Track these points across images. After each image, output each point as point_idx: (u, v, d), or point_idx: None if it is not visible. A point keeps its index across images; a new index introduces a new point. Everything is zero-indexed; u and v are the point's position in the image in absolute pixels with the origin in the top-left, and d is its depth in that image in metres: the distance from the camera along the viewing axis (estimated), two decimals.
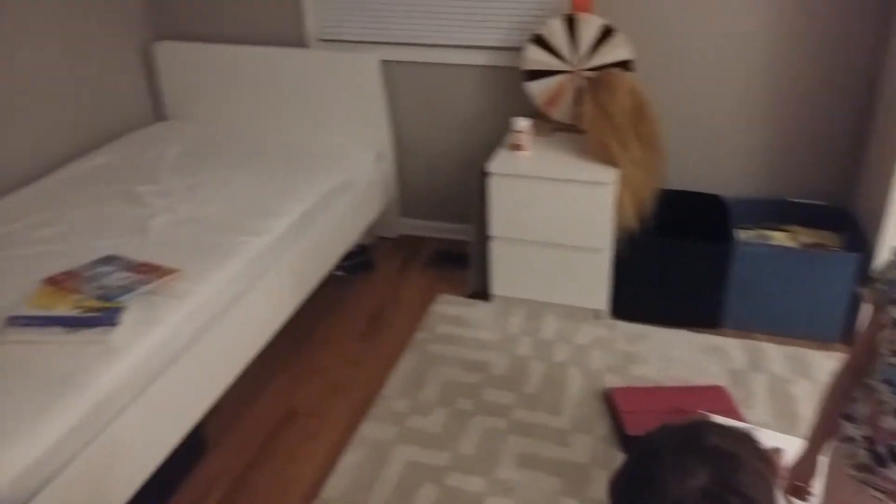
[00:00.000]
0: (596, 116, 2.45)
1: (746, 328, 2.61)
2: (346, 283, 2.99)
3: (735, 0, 2.54)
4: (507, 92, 2.93)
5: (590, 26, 2.53)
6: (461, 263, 3.10)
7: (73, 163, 2.74)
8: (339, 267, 2.89)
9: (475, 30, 2.85)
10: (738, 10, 2.55)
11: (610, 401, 2.31)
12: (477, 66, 2.92)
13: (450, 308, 2.83)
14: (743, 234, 2.67)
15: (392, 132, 3.12)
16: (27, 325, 1.71)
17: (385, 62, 2.98)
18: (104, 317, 1.72)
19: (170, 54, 3.13)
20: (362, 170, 2.87)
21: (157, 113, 3.31)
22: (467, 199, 3.21)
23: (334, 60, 2.92)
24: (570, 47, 2.58)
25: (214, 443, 2.20)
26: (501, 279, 2.76)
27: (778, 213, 2.74)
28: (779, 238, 2.66)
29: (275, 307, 2.28)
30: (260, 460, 2.15)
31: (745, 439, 0.81)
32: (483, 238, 2.73)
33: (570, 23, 2.55)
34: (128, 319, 1.76)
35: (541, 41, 2.60)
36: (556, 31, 2.57)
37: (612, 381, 2.42)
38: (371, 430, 2.24)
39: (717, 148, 2.79)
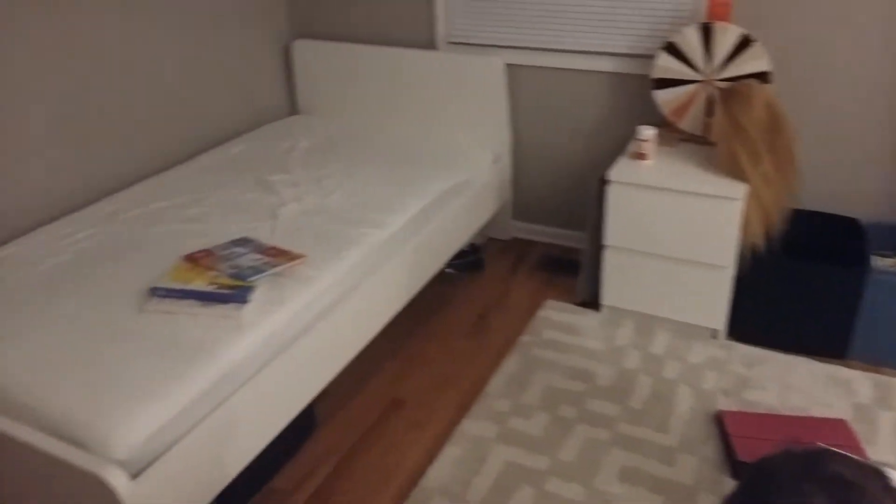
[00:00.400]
0: (727, 128, 2.36)
1: (875, 361, 2.44)
2: (456, 281, 3.04)
3: (884, 9, 2.38)
4: (632, 99, 2.89)
5: (727, 36, 2.44)
6: (571, 270, 3.08)
7: (215, 150, 2.95)
8: (449, 264, 2.95)
9: (603, 36, 2.82)
10: (886, 19, 2.39)
11: (721, 424, 2.23)
12: (602, 72, 2.89)
13: (557, 314, 2.81)
14: (879, 262, 2.49)
15: (511, 135, 3.15)
16: (166, 296, 1.86)
17: (510, 65, 3.01)
18: (236, 294, 1.85)
19: (305, 52, 3.30)
20: (480, 171, 2.90)
21: (291, 107, 3.49)
22: (582, 205, 3.18)
23: (461, 63, 2.98)
24: (703, 56, 2.51)
25: (324, 422, 2.30)
26: (612, 289, 2.72)
27: None
28: None
29: (389, 298, 2.36)
30: (366, 443, 2.23)
31: (872, 473, 0.76)
32: (597, 246, 2.70)
33: (706, 31, 2.47)
34: (256, 298, 1.88)
35: (673, 49, 2.54)
36: (690, 40, 2.51)
37: (725, 404, 2.33)
38: (473, 426, 2.27)
39: (857, 168, 2.62)
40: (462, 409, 2.36)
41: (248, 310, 1.84)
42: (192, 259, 2.02)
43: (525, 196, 3.30)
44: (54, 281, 2.00)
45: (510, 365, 2.54)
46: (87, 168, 2.55)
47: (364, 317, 2.23)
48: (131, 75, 2.66)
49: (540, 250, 3.30)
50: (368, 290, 2.21)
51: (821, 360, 2.48)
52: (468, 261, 3.10)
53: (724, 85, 2.50)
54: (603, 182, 2.56)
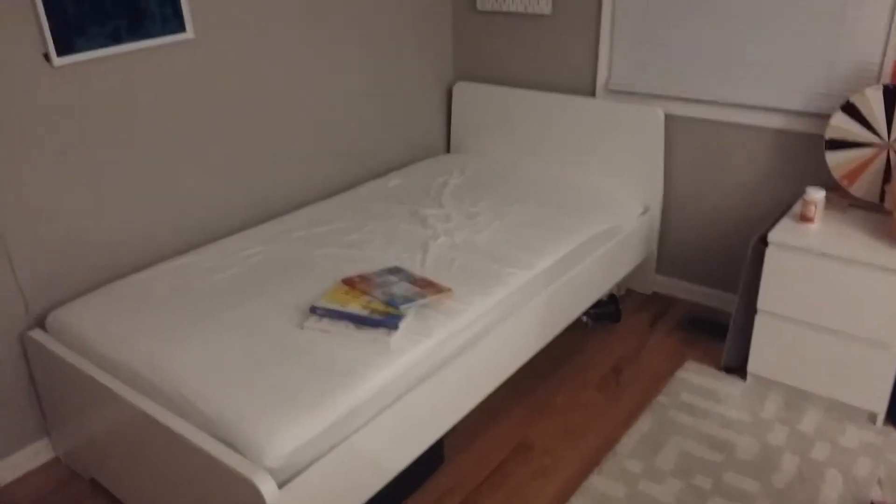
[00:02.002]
0: None
1: None
2: (590, 330, 3.00)
3: None
4: (797, 159, 2.76)
5: None
6: (714, 332, 2.95)
7: (375, 181, 3.13)
8: (586, 312, 2.92)
9: (772, 91, 2.72)
10: None
11: None
12: (767, 128, 2.79)
13: (697, 378, 2.70)
14: None
15: (663, 186, 3.09)
16: (324, 315, 1.98)
17: (668, 115, 2.98)
18: (387, 320, 1.93)
19: (465, 93, 3.42)
20: (627, 220, 2.87)
21: (446, 145, 3.63)
22: (733, 265, 3.06)
23: (619, 111, 2.98)
24: (885, 120, 2.36)
25: (451, 457, 2.33)
26: (761, 357, 2.58)
27: None
28: None
29: (527, 340, 2.37)
30: (491, 484, 2.24)
31: None
32: (748, 310, 2.57)
33: (890, 95, 2.33)
34: (405, 326, 1.95)
35: (852, 110, 2.42)
36: (872, 102, 2.37)
37: (880, 496, 2.13)
38: (601, 483, 2.22)
39: None
40: (590, 463, 2.31)
41: (397, 336, 1.92)
42: (350, 282, 2.13)
43: (670, 249, 3.22)
44: (227, 291, 2.18)
45: (644, 424, 2.46)
46: (260, 191, 2.78)
47: (502, 355, 2.25)
48: (303, 109, 2.88)
49: (682, 308, 3.19)
50: (509, 330, 2.24)
51: None
52: (605, 310, 3.06)
53: None
54: (762, 243, 2.45)
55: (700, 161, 3.00)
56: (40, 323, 2.18)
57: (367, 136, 3.20)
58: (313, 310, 2.00)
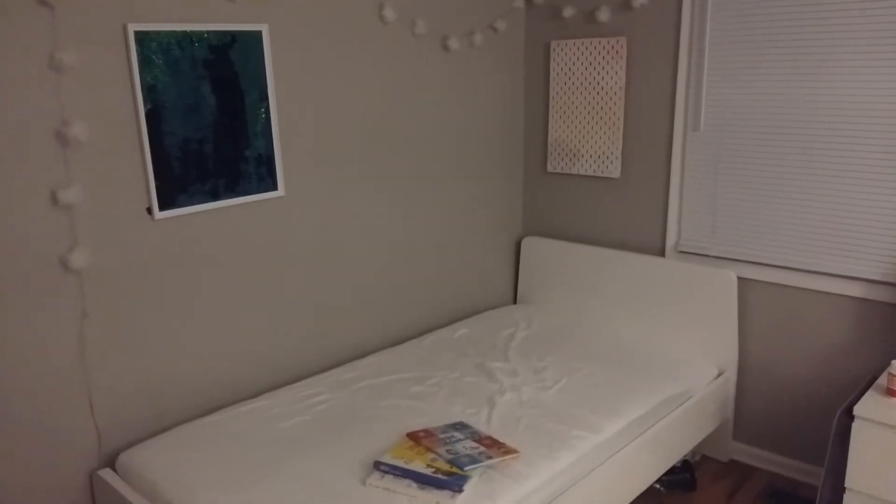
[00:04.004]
0: None
1: None
2: (664, 499, 2.83)
3: None
4: (878, 328, 2.66)
5: None
6: None
7: (441, 330, 3.16)
8: (658, 479, 2.76)
9: (848, 259, 2.68)
10: None
11: None
12: (845, 295, 2.71)
13: None
14: None
15: (738, 350, 3.01)
16: (388, 472, 1.94)
17: (741, 279, 2.95)
18: (452, 481, 1.88)
19: (533, 248, 3.50)
20: (701, 384, 2.78)
21: (513, 297, 3.68)
22: (814, 435, 2.88)
23: (690, 272, 2.97)
24: None
25: None
26: None
27: None
28: None
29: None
30: None
31: None
32: (836, 488, 2.39)
33: None
34: (469, 489, 1.89)
35: None
36: None
37: None
38: None
39: None
40: None
41: (462, 500, 1.85)
42: (415, 437, 2.11)
43: (749, 416, 3.07)
44: (293, 439, 2.19)
45: None
46: (331, 337, 2.85)
47: None
48: (376, 259, 3.00)
49: (762, 478, 2.99)
50: (576, 497, 2.13)
51: None
52: (679, 478, 2.89)
53: None
54: (848, 416, 2.32)
55: (776, 326, 2.92)
56: (111, 462, 2.22)
57: (437, 286, 3.28)
58: (377, 465, 1.97)
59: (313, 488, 1.92)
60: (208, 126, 2.31)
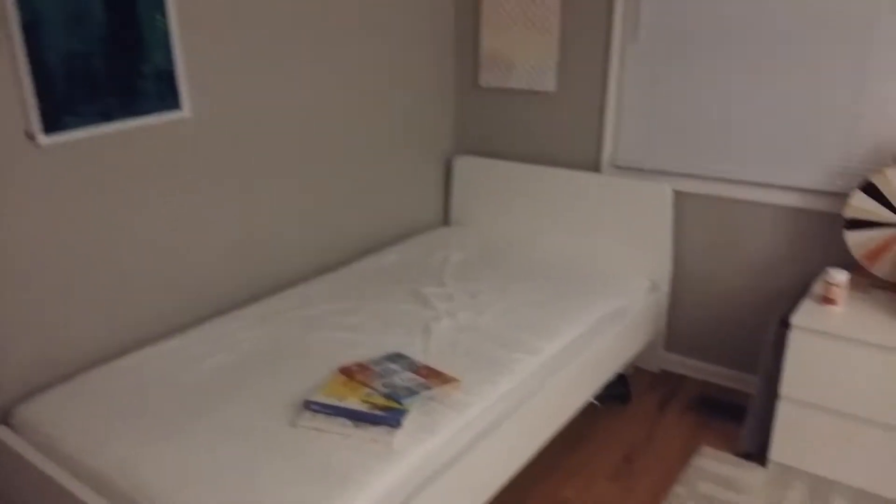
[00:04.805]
0: None
1: None
2: (598, 414, 2.84)
3: None
4: (812, 238, 2.67)
5: None
6: (727, 414, 2.80)
7: (370, 257, 3.00)
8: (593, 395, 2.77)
9: (785, 169, 2.65)
10: None
11: None
12: (781, 206, 2.70)
13: (714, 465, 2.54)
14: None
15: (672, 263, 2.99)
16: (319, 411, 1.82)
17: (677, 192, 2.90)
18: (389, 417, 1.78)
19: (466, 167, 3.35)
20: (636, 298, 2.76)
21: (444, 219, 3.54)
22: (745, 343, 2.93)
23: (626, 187, 2.90)
24: None
25: None
26: (783, 444, 2.42)
27: None
28: None
29: (536, 430, 2.21)
30: None
31: None
32: (770, 395, 2.44)
33: None
34: (408, 423, 1.80)
35: (872, 189, 2.34)
36: (892, 181, 2.30)
37: None
38: None
39: None
40: None
41: (400, 435, 1.76)
42: (348, 372, 1.99)
43: (680, 327, 3.09)
44: (214, 382, 2.03)
45: None
46: (251, 270, 2.66)
47: (511, 449, 2.09)
48: (296, 182, 2.78)
49: (693, 387, 3.05)
50: (518, 421, 2.08)
51: None
52: (614, 391, 2.91)
53: None
54: (784, 325, 2.33)
55: (711, 238, 2.91)
56: (5, 418, 2.01)
57: (365, 210, 3.10)
58: (308, 405, 1.85)
59: (238, 435, 1.78)
60: (96, 38, 2.02)
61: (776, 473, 2.48)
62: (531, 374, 2.15)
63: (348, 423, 1.78)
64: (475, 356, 2.16)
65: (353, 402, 1.83)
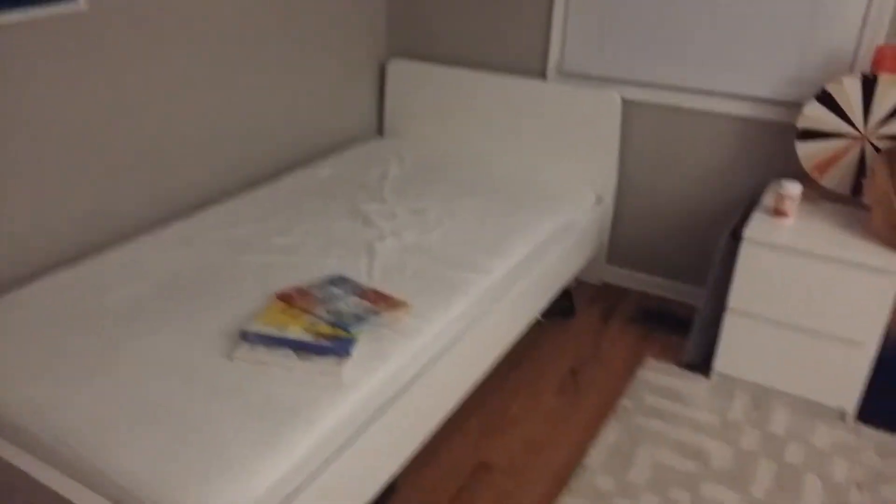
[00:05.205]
0: (889, 193, 2.07)
1: None
2: (543, 329, 2.78)
3: None
4: (762, 148, 2.61)
5: (893, 90, 2.16)
6: (671, 326, 2.80)
7: (301, 171, 2.75)
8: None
9: (737, 77, 2.55)
10: None
11: None
12: (731, 115, 2.62)
13: (659, 377, 2.54)
14: None
15: (618, 174, 2.90)
16: (258, 342, 1.65)
17: (625, 101, 2.77)
18: (337, 346, 1.63)
19: (401, 72, 3.10)
20: (583, 212, 2.66)
21: (379, 129, 3.30)
22: (689, 255, 2.91)
23: (573, 95, 2.75)
24: (862, 110, 2.23)
25: (402, 487, 2.06)
26: (729, 356, 2.43)
27: None
28: None
29: (487, 350, 2.13)
30: None
31: None
32: (717, 307, 2.42)
33: (869, 84, 2.19)
34: (358, 352, 1.66)
35: (827, 99, 2.27)
36: (849, 91, 2.23)
37: (861, 501, 2.03)
38: None
39: None
40: (558, 482, 2.10)
41: (349, 365, 1.62)
42: (287, 298, 1.81)
43: (623, 239, 3.04)
44: (132, 313, 1.80)
45: (610, 434, 2.27)
46: (166, 184, 2.38)
47: (461, 371, 2.00)
48: (213, 89, 2.49)
49: (635, 299, 3.03)
50: (470, 343, 1.98)
51: None
52: (559, 306, 2.85)
53: (887, 144, 2.21)
54: (734, 238, 2.29)
55: (659, 149, 2.81)
56: None
57: (291, 119, 2.83)
58: (244, 336, 1.67)
59: (166, 373, 1.58)
60: None
61: (720, 384, 2.50)
62: (482, 294, 2.04)
63: (291, 354, 1.62)
64: (424, 278, 2.01)
65: (296, 331, 1.66)
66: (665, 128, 2.77)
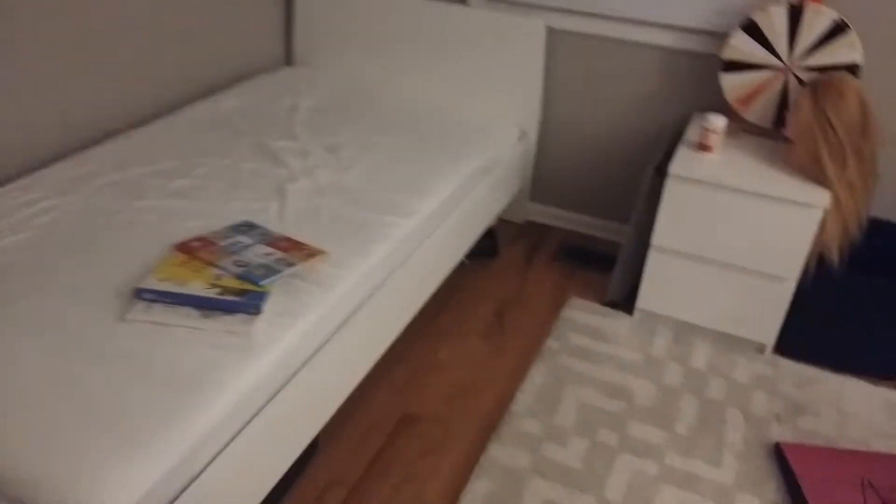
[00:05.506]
0: (813, 126, 2.05)
1: None
2: (467, 270, 2.69)
3: None
4: (685, 80, 2.55)
5: (818, 19, 2.11)
6: (594, 263, 2.77)
7: (201, 103, 2.47)
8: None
9: (666, 5, 2.44)
10: None
11: (781, 459, 1.97)
12: (658, 46, 2.53)
13: (583, 316, 2.51)
14: None
15: (541, 108, 2.78)
16: (156, 300, 1.46)
17: (549, 29, 2.63)
18: (246, 302, 1.46)
19: None
20: (506, 148, 2.54)
21: (287, 56, 3.03)
22: (613, 192, 2.86)
23: (495, 22, 2.58)
24: (787, 40, 2.17)
25: (325, 445, 1.95)
26: (651, 293, 2.42)
27: None
28: None
29: (412, 297, 2.01)
30: (376, 472, 1.90)
31: None
32: (640, 243, 2.38)
33: (795, 13, 2.13)
34: (270, 307, 1.50)
35: (753, 28, 2.20)
36: (775, 20, 2.16)
37: (780, 433, 2.08)
38: (501, 453, 1.96)
39: None
40: (486, 429, 2.04)
41: (261, 322, 1.46)
42: (188, 249, 1.61)
43: (545, 176, 2.95)
44: (7, 269, 1.56)
45: (537, 376, 2.23)
46: (42, 118, 2.08)
47: (385, 321, 1.88)
48: (95, 6, 2.17)
49: (557, 237, 2.97)
50: (392, 290, 1.85)
51: (874, 383, 2.28)
52: (482, 246, 2.75)
53: (810, 75, 2.18)
54: (659, 174, 2.23)
55: (584, 81, 2.70)
56: None
57: (189, 43, 2.53)
58: (139, 293, 1.47)
59: (50, 337, 1.38)
60: None
61: (642, 320, 2.49)
62: (405, 238, 1.90)
63: (195, 313, 1.44)
64: (342, 222, 1.85)
65: (199, 287, 1.48)
66: (590, 59, 2.65)
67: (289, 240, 1.70)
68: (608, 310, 2.54)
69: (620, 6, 2.50)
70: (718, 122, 2.17)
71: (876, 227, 2.35)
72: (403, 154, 2.25)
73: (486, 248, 2.78)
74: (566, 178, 2.92)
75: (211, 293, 1.46)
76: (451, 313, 2.48)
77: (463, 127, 2.49)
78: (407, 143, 2.33)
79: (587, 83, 2.70)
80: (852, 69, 2.14)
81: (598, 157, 2.82)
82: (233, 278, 1.52)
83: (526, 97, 2.66)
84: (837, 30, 2.11)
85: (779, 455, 2.00)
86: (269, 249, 1.64)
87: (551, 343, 2.37)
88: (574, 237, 2.98)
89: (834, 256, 2.13)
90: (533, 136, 2.75)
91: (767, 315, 2.29)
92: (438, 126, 2.47)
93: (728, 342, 2.41)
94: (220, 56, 2.69)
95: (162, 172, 2.01)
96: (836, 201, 2.08)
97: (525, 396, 2.15)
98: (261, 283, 1.51)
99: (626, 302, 2.54)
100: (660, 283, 2.39)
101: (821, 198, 2.05)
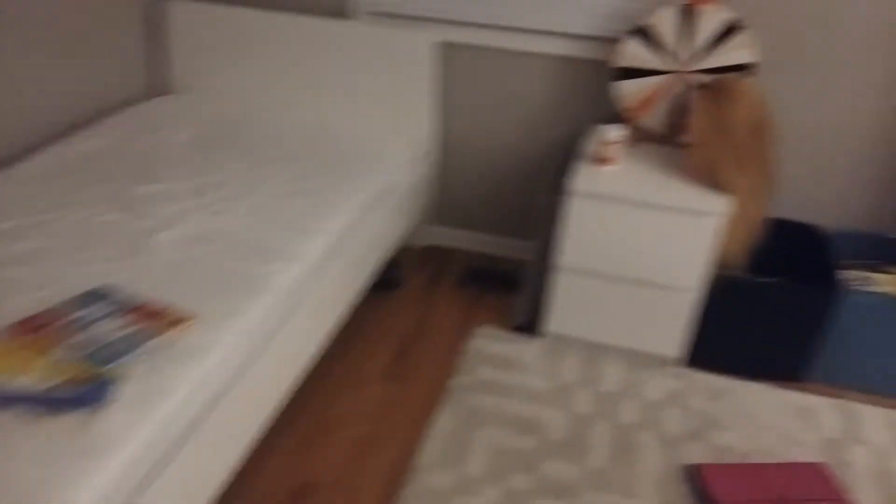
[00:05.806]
0: (709, 130, 2.00)
1: (834, 383, 2.30)
2: (366, 308, 2.52)
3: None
4: (583, 90, 2.48)
5: (710, 20, 2.07)
6: (500, 284, 2.67)
7: (54, 146, 2.19)
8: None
9: (555, 13, 2.36)
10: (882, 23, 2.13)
11: (699, 481, 1.93)
12: (551, 55, 2.45)
13: (491, 344, 2.40)
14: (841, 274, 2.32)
15: (439, 126, 2.66)
16: None
17: (441, 43, 2.51)
18: (87, 393, 1.24)
19: (181, 16, 2.60)
20: (404, 171, 2.40)
21: (160, 85, 2.77)
22: (515, 209, 2.77)
23: (381, 37, 2.43)
24: (680, 44, 2.12)
25: None
26: (559, 315, 2.34)
27: (881, 251, 2.38)
28: (882, 281, 2.30)
29: (301, 350, 1.84)
30: None
31: None
32: (544, 265, 2.29)
33: (687, 15, 2.08)
34: (127, 391, 1.29)
35: (644, 34, 2.14)
36: (666, 24, 2.11)
37: (695, 451, 2.03)
38: None
39: (825, 173, 2.39)
40: (391, 486, 1.89)
41: (111, 416, 1.25)
42: (25, 330, 1.38)
43: (445, 197, 2.84)
44: None
45: (443, 421, 2.08)
46: None
47: (270, 384, 1.70)
48: None
49: (460, 259, 2.86)
50: (277, 349, 1.67)
51: (782, 387, 2.29)
52: (383, 279, 2.60)
53: (703, 79, 2.14)
54: (558, 191, 2.14)
55: (481, 95, 2.60)
56: None
57: (39, 74, 2.25)
58: None
59: None
60: None
61: (551, 344, 2.41)
62: (290, 287, 1.72)
63: (28, 413, 1.22)
64: (215, 276, 1.65)
65: (33, 379, 1.26)
66: (486, 72, 2.55)
67: (147, 307, 1.49)
68: (516, 336, 2.44)
69: (511, 16, 2.41)
70: (615, 133, 2.10)
71: (779, 228, 2.35)
72: (289, 188, 2.06)
73: (388, 280, 2.63)
74: (469, 197, 2.81)
75: (45, 385, 1.24)
76: (348, 359, 2.31)
77: (355, 152, 2.33)
78: (293, 174, 2.14)
79: (485, 97, 2.60)
80: (748, 69, 2.11)
81: (498, 173, 2.73)
82: (75, 363, 1.30)
83: (421, 116, 2.52)
84: (730, 30, 2.08)
85: (696, 477, 1.95)
86: (123, 321, 1.42)
87: (459, 379, 2.25)
88: (479, 259, 2.87)
89: (737, 261, 2.11)
90: (431, 155, 2.63)
91: (675, 328, 2.26)
92: (329, 153, 2.30)
93: (639, 359, 2.36)
94: (83, 91, 2.42)
95: None
96: (736, 205, 2.05)
97: (432, 445, 2.01)
98: (108, 365, 1.30)
99: (534, 324, 2.45)
100: (567, 304, 2.31)
101: (718, 205, 2.02)
